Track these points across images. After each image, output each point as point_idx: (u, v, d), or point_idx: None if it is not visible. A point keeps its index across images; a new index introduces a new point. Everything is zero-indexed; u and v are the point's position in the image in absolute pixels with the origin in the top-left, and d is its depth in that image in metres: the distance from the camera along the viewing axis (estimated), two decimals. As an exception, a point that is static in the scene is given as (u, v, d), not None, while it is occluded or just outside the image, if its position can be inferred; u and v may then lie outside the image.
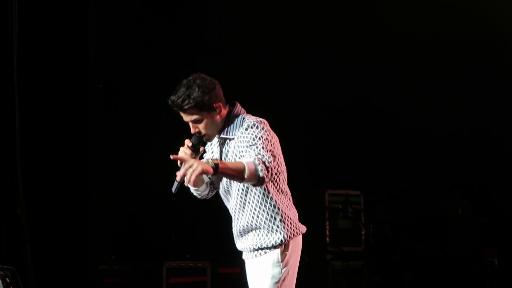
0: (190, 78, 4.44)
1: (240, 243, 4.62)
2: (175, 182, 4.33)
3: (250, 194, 4.47)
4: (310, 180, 9.99)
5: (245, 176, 4.16)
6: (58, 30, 8.20)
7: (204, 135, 4.48)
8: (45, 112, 8.10)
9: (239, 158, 4.41)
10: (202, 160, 4.39)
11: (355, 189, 10.50)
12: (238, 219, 4.56)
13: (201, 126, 4.45)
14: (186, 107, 4.38)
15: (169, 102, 4.44)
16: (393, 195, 11.00)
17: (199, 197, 4.81)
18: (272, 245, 4.45)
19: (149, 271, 8.99)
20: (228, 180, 4.50)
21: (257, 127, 4.38)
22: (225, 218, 4.80)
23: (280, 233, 4.44)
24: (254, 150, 4.27)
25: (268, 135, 4.38)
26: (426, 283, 10.39)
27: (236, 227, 4.60)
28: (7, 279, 6.25)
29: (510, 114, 11.15)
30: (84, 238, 8.27)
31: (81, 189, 8.32)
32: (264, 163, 4.18)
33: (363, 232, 10.44)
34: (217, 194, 4.78)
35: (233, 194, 4.54)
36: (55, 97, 8.17)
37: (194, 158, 4.37)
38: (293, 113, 10.14)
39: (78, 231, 8.17)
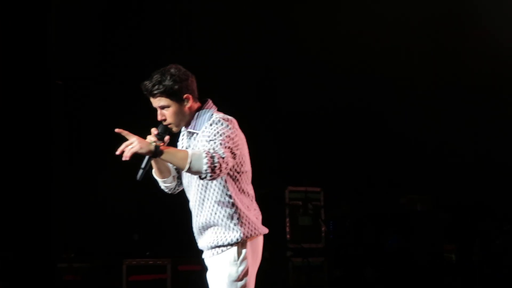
0: (166, 67, 4.47)
1: (200, 241, 4.60)
2: (140, 169, 4.31)
3: (209, 190, 4.46)
4: (270, 177, 10.01)
5: (187, 165, 4.14)
6: (19, 26, 8.14)
7: (169, 123, 4.47)
8: (4, 108, 8.05)
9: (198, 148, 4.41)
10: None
11: (315, 186, 10.53)
12: (197, 215, 4.55)
13: (167, 114, 4.45)
14: (155, 92, 4.41)
15: (142, 86, 4.47)
16: (354, 191, 11.06)
17: (167, 190, 4.78)
18: (228, 243, 4.43)
19: (109, 268, 8.95)
20: (190, 175, 4.47)
21: (221, 124, 4.36)
22: (185, 215, 4.79)
23: (237, 231, 4.43)
24: (211, 144, 4.26)
25: (232, 133, 4.36)
26: (386, 277, 10.47)
27: (195, 224, 4.59)
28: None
29: (467, 116, 11.26)
30: (44, 236, 8.23)
31: (42, 187, 8.27)
32: (212, 157, 4.16)
33: (323, 229, 10.47)
34: (182, 191, 4.77)
35: (193, 189, 4.53)
36: (15, 93, 8.12)
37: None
38: (255, 111, 10.16)
39: (38, 229, 8.12)
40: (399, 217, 10.89)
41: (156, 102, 4.46)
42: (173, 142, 4.65)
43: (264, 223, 4.62)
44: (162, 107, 4.45)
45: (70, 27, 9.26)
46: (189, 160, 4.14)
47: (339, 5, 11.04)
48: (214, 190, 4.45)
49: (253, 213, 4.54)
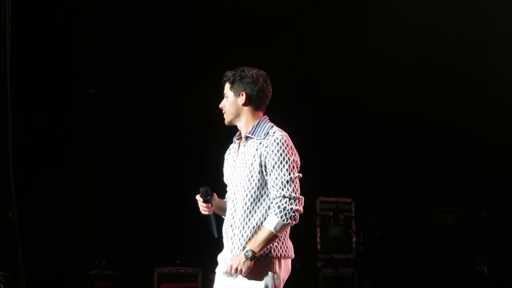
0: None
1: (227, 256, 4.58)
2: (211, 229, 4.67)
3: (258, 203, 4.51)
4: (301, 188, 9.97)
5: (278, 235, 4.40)
6: (51, 36, 8.22)
7: (224, 112, 4.70)
8: (37, 116, 8.12)
9: (254, 160, 4.50)
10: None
11: (346, 197, 10.52)
12: (235, 228, 4.54)
13: (225, 102, 4.69)
14: (225, 78, 4.71)
15: None
16: (384, 202, 11.02)
17: None
18: (267, 254, 4.44)
19: (140, 276, 8.99)
20: (234, 187, 4.59)
21: (287, 145, 4.49)
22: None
23: (276, 246, 4.46)
24: (277, 187, 4.42)
25: (294, 154, 4.53)
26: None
27: (227, 238, 4.59)
28: (1, 285, 6.24)
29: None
30: (75, 243, 8.27)
31: (73, 194, 8.33)
32: (285, 209, 4.37)
33: (354, 240, 10.45)
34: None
35: (239, 202, 4.55)
36: (47, 101, 8.19)
37: (211, 207, 4.65)
38: (284, 120, 10.15)
39: (69, 236, 8.17)
40: (429, 229, 10.84)
41: (224, 88, 4.72)
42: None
43: (295, 233, 4.63)
44: (225, 95, 4.70)
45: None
46: (273, 232, 4.37)
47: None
48: (266, 204, 4.51)
49: (288, 238, 4.60)
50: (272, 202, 4.43)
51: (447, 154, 11.37)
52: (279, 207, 4.37)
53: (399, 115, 11.16)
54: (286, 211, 4.36)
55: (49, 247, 7.96)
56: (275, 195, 4.41)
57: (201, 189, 4.66)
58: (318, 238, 10.16)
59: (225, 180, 4.76)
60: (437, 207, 11.08)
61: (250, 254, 4.34)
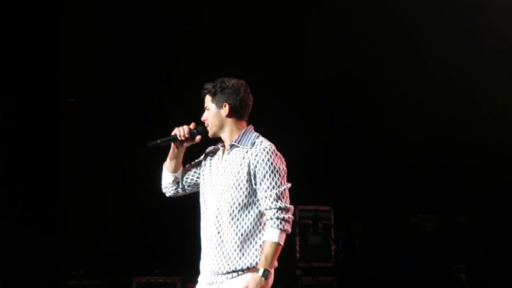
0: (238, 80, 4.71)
1: (211, 264, 4.57)
2: (157, 141, 4.66)
3: (245, 211, 4.51)
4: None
5: (281, 244, 4.44)
6: (31, 44, 8.21)
7: (207, 125, 4.67)
8: (16, 125, 8.09)
9: (241, 168, 4.51)
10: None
11: (325, 205, 10.52)
12: (222, 235, 4.53)
13: (207, 114, 4.67)
14: (205, 90, 4.68)
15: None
16: (363, 210, 11.04)
17: (167, 190, 4.86)
18: (256, 263, 4.45)
19: (119, 286, 8.96)
20: (219, 194, 4.56)
21: (276, 154, 4.54)
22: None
23: (257, 256, 4.46)
24: (271, 198, 4.44)
25: (282, 163, 4.57)
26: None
27: (213, 246, 4.57)
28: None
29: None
30: (53, 253, 8.24)
31: (50, 203, 8.30)
32: (283, 219, 4.41)
33: (333, 248, 10.45)
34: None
35: (225, 209, 4.52)
36: (27, 110, 8.17)
37: (187, 139, 4.66)
38: (264, 129, 10.15)
39: (47, 246, 8.14)
40: (408, 237, 10.87)
41: (205, 101, 4.69)
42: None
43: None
44: (206, 108, 4.67)
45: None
46: (278, 243, 4.41)
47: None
48: (253, 211, 4.52)
49: None
50: (266, 214, 4.45)
51: (426, 161, 11.39)
52: (277, 218, 4.41)
53: (378, 123, 11.17)
54: (284, 221, 4.41)
55: (27, 257, 7.92)
56: (270, 206, 4.44)
57: (201, 126, 4.70)
58: (297, 246, 10.15)
59: (202, 180, 4.73)
60: (416, 214, 11.11)
61: (267, 273, 4.38)
